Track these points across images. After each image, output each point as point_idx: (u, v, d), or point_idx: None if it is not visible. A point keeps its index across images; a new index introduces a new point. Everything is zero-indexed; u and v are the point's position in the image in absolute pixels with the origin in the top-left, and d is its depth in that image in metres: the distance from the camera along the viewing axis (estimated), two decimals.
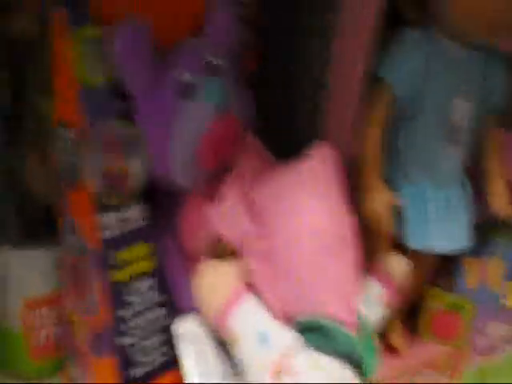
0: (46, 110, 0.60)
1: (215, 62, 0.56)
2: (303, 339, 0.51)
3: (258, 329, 0.51)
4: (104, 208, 0.52)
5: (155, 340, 0.57)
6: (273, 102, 0.70)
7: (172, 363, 0.57)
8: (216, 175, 0.57)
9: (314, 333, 0.52)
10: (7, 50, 0.60)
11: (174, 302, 0.58)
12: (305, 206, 0.52)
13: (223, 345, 0.54)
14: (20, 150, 0.61)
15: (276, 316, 0.52)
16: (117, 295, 0.53)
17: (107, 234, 0.52)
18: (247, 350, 0.51)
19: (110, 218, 0.52)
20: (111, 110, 0.52)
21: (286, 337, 0.51)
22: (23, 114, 0.62)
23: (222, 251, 0.57)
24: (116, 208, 0.53)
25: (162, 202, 0.58)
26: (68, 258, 0.57)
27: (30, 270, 0.59)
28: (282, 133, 0.69)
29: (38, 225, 0.61)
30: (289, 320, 0.52)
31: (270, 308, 0.52)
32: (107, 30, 0.50)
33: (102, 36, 0.51)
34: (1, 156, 0.60)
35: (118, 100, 0.53)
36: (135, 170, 0.53)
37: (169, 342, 0.57)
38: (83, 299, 0.55)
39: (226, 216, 0.56)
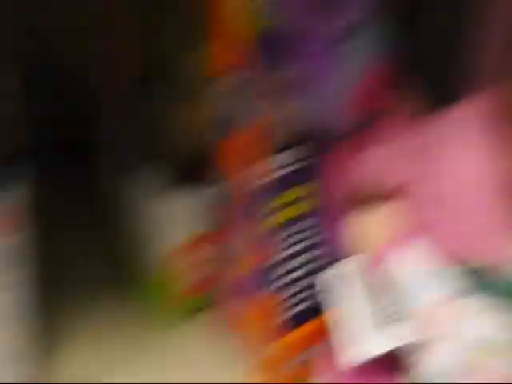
0: (190, 62, 0.62)
1: (376, 10, 0.54)
2: (469, 283, 0.51)
3: (419, 273, 0.51)
4: (258, 155, 0.53)
5: (306, 282, 0.58)
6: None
7: (322, 306, 0.58)
8: (368, 122, 0.57)
9: (480, 277, 0.51)
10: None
11: (325, 244, 0.59)
12: (472, 152, 0.51)
13: (377, 288, 0.55)
14: (174, 102, 0.63)
15: (439, 259, 0.52)
16: (273, 238, 0.54)
17: (263, 179, 0.53)
18: (408, 294, 0.51)
19: (265, 164, 0.53)
20: (275, 57, 0.52)
21: (451, 281, 0.51)
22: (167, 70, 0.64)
23: (372, 196, 0.57)
24: (269, 154, 0.53)
25: (312, 146, 0.58)
26: (222, 202, 0.59)
27: (181, 213, 0.61)
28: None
29: (189, 171, 0.63)
30: (452, 263, 0.52)
31: (432, 251, 0.52)
32: None
33: None
34: (155, 106, 0.62)
35: (276, 47, 0.53)
36: (289, 116, 0.53)
37: (318, 285, 0.58)
38: (236, 241, 0.57)
39: (381, 160, 0.55)
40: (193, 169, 0.59)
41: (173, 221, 0.57)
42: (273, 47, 0.47)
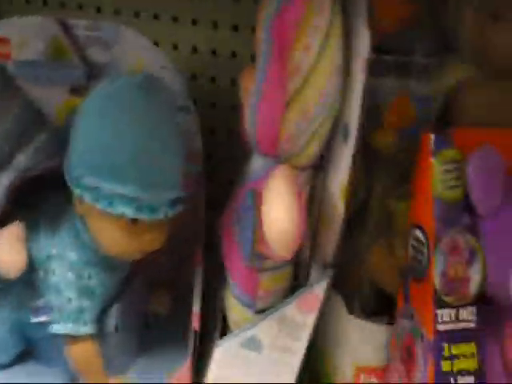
0: (396, 209, 0.73)
1: None
2: None
3: None
4: (442, 304, 0.60)
5: None
6: None
7: None
8: None
9: None
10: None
11: None
12: None
13: None
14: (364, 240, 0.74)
15: None
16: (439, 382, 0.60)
17: (441, 327, 0.60)
18: None
19: (446, 314, 0.61)
20: (459, 222, 0.62)
21: None
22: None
23: None
24: (452, 306, 0.61)
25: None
26: (400, 339, 0.66)
27: (365, 341, 0.70)
28: None
29: (376, 304, 0.73)
30: None
31: None
32: (465, 155, 0.61)
33: (460, 159, 0.61)
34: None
35: (465, 214, 0.62)
36: (475, 277, 0.61)
37: None
38: (409, 379, 0.64)
39: None
40: (380, 302, 0.64)
41: (356, 343, 0.63)
42: (454, 214, 0.55)
